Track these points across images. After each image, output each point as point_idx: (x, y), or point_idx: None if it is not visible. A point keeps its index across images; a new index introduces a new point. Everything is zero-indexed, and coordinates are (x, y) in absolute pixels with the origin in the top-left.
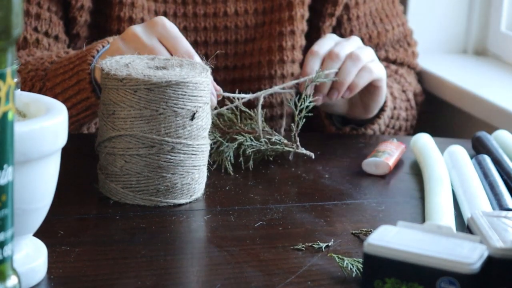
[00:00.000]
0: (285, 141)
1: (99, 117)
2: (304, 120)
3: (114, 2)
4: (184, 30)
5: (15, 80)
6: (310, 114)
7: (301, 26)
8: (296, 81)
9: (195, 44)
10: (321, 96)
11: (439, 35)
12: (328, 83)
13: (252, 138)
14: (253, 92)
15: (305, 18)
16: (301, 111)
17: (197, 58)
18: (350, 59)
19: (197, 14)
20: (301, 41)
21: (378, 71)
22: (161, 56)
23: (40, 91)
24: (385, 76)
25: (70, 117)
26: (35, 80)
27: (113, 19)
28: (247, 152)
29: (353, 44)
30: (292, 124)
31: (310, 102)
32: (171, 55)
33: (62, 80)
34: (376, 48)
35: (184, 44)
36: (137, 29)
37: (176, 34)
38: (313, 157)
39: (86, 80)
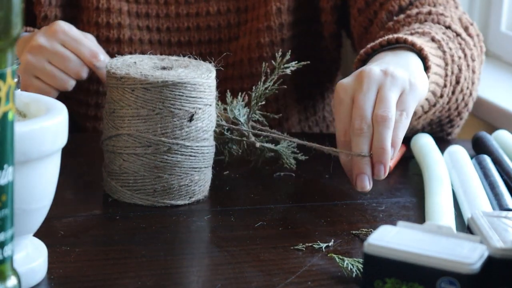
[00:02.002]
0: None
1: (103, 115)
2: (263, 101)
3: (91, 8)
4: (167, 31)
5: (15, 80)
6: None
7: (279, 20)
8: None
9: (178, 44)
10: (367, 181)
11: None
12: (366, 160)
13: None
14: (237, 91)
15: (283, 11)
16: (260, 96)
17: (102, 57)
18: (376, 123)
19: (180, 14)
20: (281, 35)
21: (414, 105)
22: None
23: None
24: (423, 93)
25: None
26: None
27: (91, 25)
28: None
29: (370, 99)
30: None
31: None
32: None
33: None
34: None
35: (86, 44)
36: (41, 40)
37: (76, 36)
38: (257, 145)
39: None
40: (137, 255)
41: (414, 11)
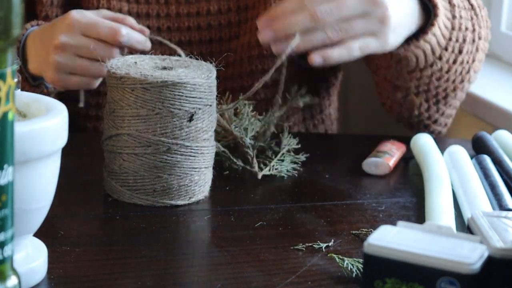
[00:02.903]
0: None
1: (103, 115)
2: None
3: (91, 8)
4: (168, 30)
5: (15, 80)
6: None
7: None
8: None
9: (179, 44)
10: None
11: None
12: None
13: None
14: (237, 90)
15: None
16: (256, 137)
17: (124, 31)
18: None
19: (180, 14)
20: None
21: (373, 43)
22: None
23: None
24: (393, 43)
25: None
26: None
27: None
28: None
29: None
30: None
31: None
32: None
33: None
34: None
35: (104, 25)
36: (64, 38)
37: (91, 21)
38: (259, 177)
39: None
40: (137, 255)
41: None
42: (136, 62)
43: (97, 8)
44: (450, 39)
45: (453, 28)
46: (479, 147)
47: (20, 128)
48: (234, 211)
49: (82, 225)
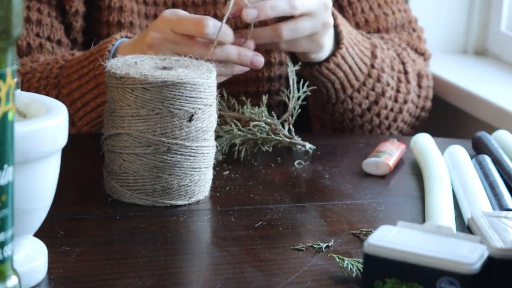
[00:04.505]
0: (278, 127)
1: (103, 115)
2: (299, 110)
3: (103, 6)
4: None
5: (15, 80)
6: (304, 103)
7: None
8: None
9: None
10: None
11: (439, 35)
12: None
13: (240, 128)
14: (241, 95)
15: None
16: (296, 98)
17: (210, 22)
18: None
19: None
20: None
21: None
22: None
23: (56, 99)
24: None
25: (90, 121)
26: (48, 89)
27: (102, 23)
28: (236, 142)
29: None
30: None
31: None
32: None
33: (79, 86)
34: (378, 33)
35: (191, 19)
36: (154, 35)
37: (179, 17)
38: (307, 148)
39: (104, 83)
40: (137, 255)
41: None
42: (136, 62)
43: (109, 6)
44: (364, 84)
45: (369, 75)
46: (479, 147)
47: (20, 128)
48: (234, 211)
49: (82, 225)
